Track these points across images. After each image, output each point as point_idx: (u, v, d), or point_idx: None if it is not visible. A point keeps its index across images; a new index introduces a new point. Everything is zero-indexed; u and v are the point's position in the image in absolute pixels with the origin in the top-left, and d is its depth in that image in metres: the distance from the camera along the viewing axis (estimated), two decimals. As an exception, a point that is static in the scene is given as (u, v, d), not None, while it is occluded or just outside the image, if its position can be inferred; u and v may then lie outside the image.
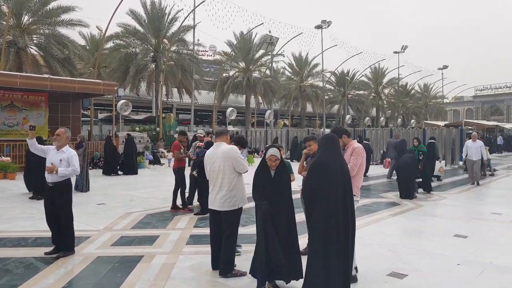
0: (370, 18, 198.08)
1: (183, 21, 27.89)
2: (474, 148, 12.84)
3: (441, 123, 39.62)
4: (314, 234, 3.79)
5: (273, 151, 4.31)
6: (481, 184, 13.05)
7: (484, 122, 46.88)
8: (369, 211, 8.63)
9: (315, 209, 3.76)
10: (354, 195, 4.68)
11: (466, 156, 12.99)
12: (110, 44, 29.91)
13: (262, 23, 29.66)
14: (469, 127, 30.68)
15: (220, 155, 4.61)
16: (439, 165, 14.33)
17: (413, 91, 57.55)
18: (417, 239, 6.49)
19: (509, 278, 4.70)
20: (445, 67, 56.21)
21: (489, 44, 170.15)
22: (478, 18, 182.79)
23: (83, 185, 10.73)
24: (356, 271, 4.71)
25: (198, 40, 34.14)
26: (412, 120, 51.96)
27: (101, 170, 15.24)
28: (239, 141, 5.24)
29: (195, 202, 8.39)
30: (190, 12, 27.94)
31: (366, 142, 16.74)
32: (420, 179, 11.03)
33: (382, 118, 49.68)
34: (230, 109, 30.02)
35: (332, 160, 3.84)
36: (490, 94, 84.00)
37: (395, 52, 47.52)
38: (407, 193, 10.20)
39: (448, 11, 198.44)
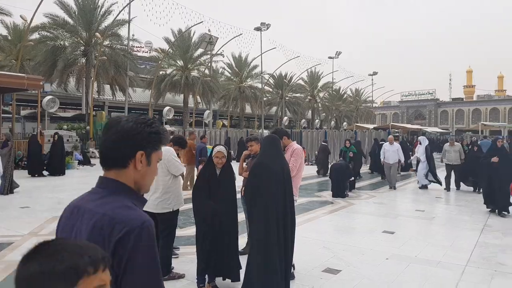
0: (308, 24, 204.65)
1: (118, 14, 26.77)
2: (391, 152, 12.52)
3: (371, 126, 41.99)
4: (254, 233, 3.82)
5: (220, 148, 4.26)
6: (397, 188, 12.54)
7: (409, 125, 50.39)
8: (305, 209, 8.90)
9: (256, 209, 3.79)
10: (294, 195, 4.81)
11: (383, 159, 12.69)
12: (35, 36, 27.87)
13: (202, 22, 29.32)
14: (396, 130, 32.83)
15: None
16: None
17: (345, 95, 60.30)
18: (349, 235, 6.80)
19: (432, 269, 5.09)
20: (375, 73, 59.63)
21: (414, 52, 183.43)
22: (408, 30, 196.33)
23: (5, 187, 9.92)
24: (294, 268, 4.83)
25: (134, 35, 32.90)
26: (344, 123, 54.46)
27: (25, 170, 14.21)
28: (178, 141, 5.13)
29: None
30: (125, 6, 26.89)
31: (324, 143, 17.32)
32: (353, 178, 11.61)
33: (317, 121, 51.49)
34: (167, 108, 29.32)
35: (274, 160, 3.90)
36: (414, 100, 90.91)
37: (330, 58, 49.50)
38: (339, 192, 10.66)
39: (379, 21, 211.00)
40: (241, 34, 34.07)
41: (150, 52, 36.79)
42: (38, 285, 0.85)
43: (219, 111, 42.72)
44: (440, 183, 12.37)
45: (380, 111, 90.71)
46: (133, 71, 30.56)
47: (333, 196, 10.68)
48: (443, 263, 5.34)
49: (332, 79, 50.48)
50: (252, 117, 45.65)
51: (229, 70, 43.00)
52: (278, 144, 4.06)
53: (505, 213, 8.43)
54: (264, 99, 43.28)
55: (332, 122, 53.49)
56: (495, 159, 8.38)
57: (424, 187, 12.58)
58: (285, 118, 41.97)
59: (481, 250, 5.99)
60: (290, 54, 40.49)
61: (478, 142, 14.14)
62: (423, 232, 7.19)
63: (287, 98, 46.06)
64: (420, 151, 12.67)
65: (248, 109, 44.06)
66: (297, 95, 49.47)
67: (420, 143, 12.93)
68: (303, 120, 47.25)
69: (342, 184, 10.73)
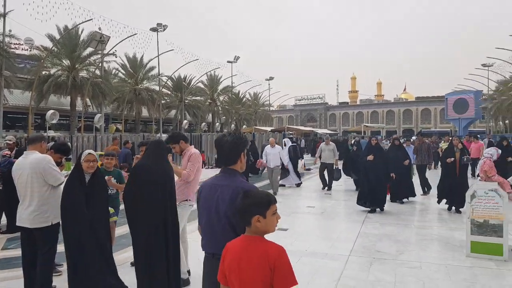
0: (206, 27, 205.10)
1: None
2: (272, 155, 11.49)
3: (268, 128, 43.60)
4: (135, 241, 3.66)
5: (90, 151, 4.05)
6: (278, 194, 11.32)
7: (302, 127, 53.53)
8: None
9: (137, 213, 3.64)
10: (189, 200, 4.72)
11: (265, 162, 11.62)
12: None
13: (91, 19, 27.18)
14: (290, 132, 34.57)
15: (28, 166, 4.08)
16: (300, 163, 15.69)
17: (244, 99, 61.70)
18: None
19: (320, 261, 5.43)
20: (271, 78, 61.87)
21: (307, 58, 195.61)
22: (303, 38, 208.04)
23: None
24: (189, 274, 4.73)
25: (10, 31, 29.37)
26: (244, 126, 55.76)
27: None
28: (60, 148, 4.70)
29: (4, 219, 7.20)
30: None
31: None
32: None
33: (217, 124, 51.79)
34: (51, 111, 26.55)
35: (155, 163, 3.78)
36: (306, 104, 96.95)
37: (229, 62, 50.02)
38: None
39: (273, 27, 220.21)
40: (135, 34, 32.55)
41: (31, 50, 33.16)
42: (248, 211, 1.94)
43: (112, 115, 40.43)
44: (299, 184, 13.05)
45: (277, 114, 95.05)
46: (10, 70, 27.36)
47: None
48: (330, 255, 5.74)
49: (232, 83, 51.22)
50: (149, 121, 44.10)
51: (123, 71, 40.93)
52: (161, 147, 3.96)
53: (380, 209, 8.97)
54: (163, 102, 42.12)
55: (233, 125, 54.31)
56: (370, 157, 8.93)
57: (298, 185, 13.13)
58: (185, 121, 41.39)
59: (362, 240, 6.56)
60: (189, 57, 40.05)
61: (360, 141, 15.35)
62: (313, 227, 7.63)
63: (186, 101, 45.48)
64: (283, 153, 12.14)
65: (145, 113, 42.46)
66: (197, 98, 49.20)
67: (285, 145, 12.98)
68: (204, 124, 47.16)
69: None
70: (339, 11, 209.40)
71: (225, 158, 2.53)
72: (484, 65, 48.28)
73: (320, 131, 60.50)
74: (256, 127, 47.67)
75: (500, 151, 6.54)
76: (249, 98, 64.36)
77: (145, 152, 3.96)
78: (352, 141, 18.33)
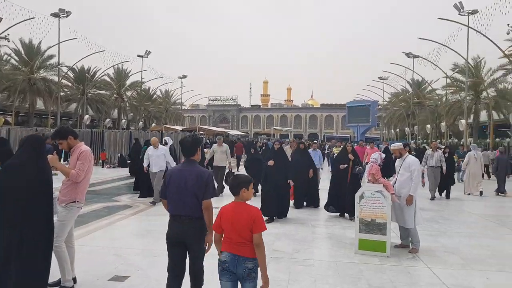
0: (115, 18, 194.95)
1: None
2: (156, 157, 9.73)
3: (179, 128, 42.72)
4: None
5: None
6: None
7: (214, 128, 53.52)
8: (98, 216, 8.27)
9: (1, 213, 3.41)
10: (78, 201, 4.32)
11: (146, 166, 9.98)
12: None
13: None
14: (201, 132, 34.34)
15: None
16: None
17: (155, 96, 59.69)
18: (145, 239, 6.60)
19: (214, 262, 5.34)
20: (184, 76, 60.86)
21: (221, 59, 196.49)
22: (208, 36, 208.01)
23: None
24: (75, 282, 4.36)
25: None
26: (153, 124, 53.89)
27: None
28: None
29: None
30: None
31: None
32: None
33: (124, 121, 49.33)
34: None
35: (25, 163, 3.42)
36: (219, 105, 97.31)
37: (139, 56, 47.86)
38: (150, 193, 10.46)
39: (190, 24, 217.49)
40: (33, 18, 29.42)
41: None
42: (238, 185, 3.13)
43: (1, 105, 36.24)
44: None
45: (189, 113, 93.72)
46: None
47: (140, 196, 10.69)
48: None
49: (141, 78, 49.09)
50: (45, 114, 40.29)
51: (16, 57, 36.78)
52: (38, 144, 3.63)
53: (283, 216, 8.50)
54: (62, 94, 38.74)
55: (141, 123, 52.17)
56: (270, 163, 8.36)
57: None
58: (87, 116, 38.61)
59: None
60: (95, 48, 37.17)
61: (267, 143, 15.87)
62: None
63: (89, 94, 42.53)
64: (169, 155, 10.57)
65: (40, 105, 38.69)
66: (102, 92, 46.30)
67: (166, 143, 10.95)
68: (108, 120, 44.53)
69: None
70: (255, 14, 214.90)
71: (187, 152, 3.80)
72: (380, 78, 52.94)
73: (232, 132, 61.15)
74: (167, 125, 46.39)
75: (383, 155, 7.11)
76: (160, 96, 62.53)
77: (17, 150, 3.53)
78: (262, 143, 18.78)
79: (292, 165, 9.39)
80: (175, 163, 10.16)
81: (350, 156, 8.61)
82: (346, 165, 8.60)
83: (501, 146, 17.55)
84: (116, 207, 9.37)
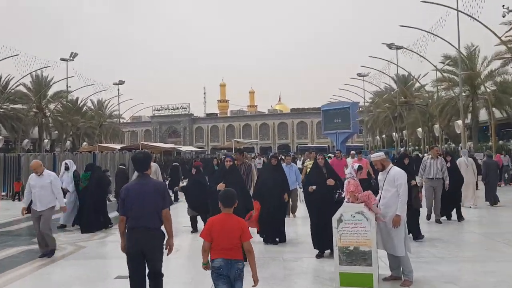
0: (28, 17, 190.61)
1: None
2: (39, 188, 8.41)
3: (118, 146, 41.87)
4: None
5: None
6: None
7: (162, 144, 52.86)
8: (15, 263, 8.01)
9: None
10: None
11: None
12: None
13: None
14: (145, 150, 33.78)
15: None
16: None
17: (85, 108, 58.41)
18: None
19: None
20: (121, 82, 59.72)
21: (168, 62, 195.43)
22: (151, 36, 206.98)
23: None
24: None
25: None
26: (84, 143, 52.55)
27: None
28: None
29: None
30: None
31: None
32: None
33: (46, 141, 47.81)
34: None
35: None
36: (167, 115, 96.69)
37: (63, 60, 46.67)
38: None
39: (129, 23, 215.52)
40: None
41: None
42: (232, 198, 4.45)
43: None
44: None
45: (129, 127, 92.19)
46: None
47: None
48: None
49: (67, 86, 47.88)
50: None
51: None
52: None
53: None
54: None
55: (68, 142, 50.78)
56: (220, 186, 7.81)
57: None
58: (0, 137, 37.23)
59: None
60: (6, 51, 35.92)
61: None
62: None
63: (1, 110, 41.08)
64: (64, 177, 11.80)
65: None
66: (18, 106, 44.75)
67: (67, 168, 11.94)
68: (27, 141, 43.06)
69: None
70: (204, 12, 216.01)
71: (141, 167, 5.06)
72: (359, 74, 54.32)
73: (184, 148, 60.73)
74: (102, 144, 45.35)
75: (356, 166, 7.05)
76: (92, 107, 61.27)
77: None
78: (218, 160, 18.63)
79: (259, 186, 9.29)
80: (65, 199, 10.36)
81: (329, 182, 8.00)
82: (314, 187, 8.09)
83: (487, 150, 18.04)
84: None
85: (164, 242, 4.92)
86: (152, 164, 11.10)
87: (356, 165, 6.95)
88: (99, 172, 13.11)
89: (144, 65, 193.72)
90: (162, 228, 4.88)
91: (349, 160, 16.30)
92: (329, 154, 27.39)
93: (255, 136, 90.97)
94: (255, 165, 19.86)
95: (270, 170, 9.70)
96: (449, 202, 11.60)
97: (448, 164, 11.82)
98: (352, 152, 18.48)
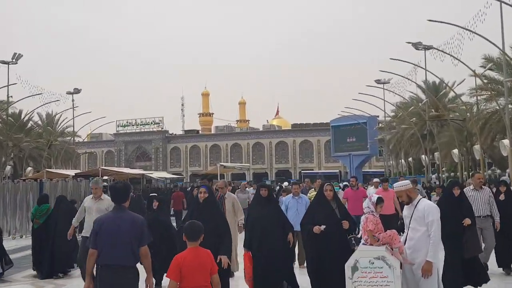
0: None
1: None
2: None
3: (71, 172, 41.64)
4: None
5: None
6: None
7: (128, 170, 52.57)
8: None
9: None
10: None
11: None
12: None
13: None
14: (105, 177, 33.65)
15: None
16: None
17: (31, 124, 58.29)
18: None
19: None
20: (77, 91, 59.70)
21: (133, 63, 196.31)
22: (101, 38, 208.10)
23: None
24: None
25: None
26: (29, 168, 52.33)
27: None
28: None
29: None
30: None
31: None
32: None
33: (-21, 166, 47.59)
34: None
35: None
36: (135, 132, 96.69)
37: (3, 63, 46.77)
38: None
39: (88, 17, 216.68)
40: None
41: None
42: (200, 231, 5.28)
43: None
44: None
45: (86, 148, 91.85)
46: None
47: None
48: None
49: (8, 97, 47.93)
50: None
51: None
52: None
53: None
54: None
55: (8, 167, 50.60)
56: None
57: None
58: None
59: None
60: None
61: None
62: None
63: None
64: None
65: None
66: None
67: None
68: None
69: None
70: (189, 9, 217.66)
71: (119, 198, 5.69)
72: (378, 81, 54.60)
73: (156, 174, 60.44)
74: (51, 170, 45.14)
75: (375, 198, 6.94)
76: (40, 123, 61.16)
77: None
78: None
79: (248, 228, 8.92)
80: None
81: (345, 224, 7.79)
82: (323, 227, 7.68)
83: (503, 180, 15.61)
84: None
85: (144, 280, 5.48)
86: (104, 197, 11.03)
87: (375, 197, 6.92)
88: (67, 204, 13.08)
89: (106, 70, 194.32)
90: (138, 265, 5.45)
91: (371, 190, 16.04)
92: (344, 183, 27.04)
93: (247, 159, 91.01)
94: (248, 196, 19.68)
95: (261, 204, 9.13)
96: (505, 248, 10.91)
97: (502, 197, 11.32)
98: (375, 180, 17.48)
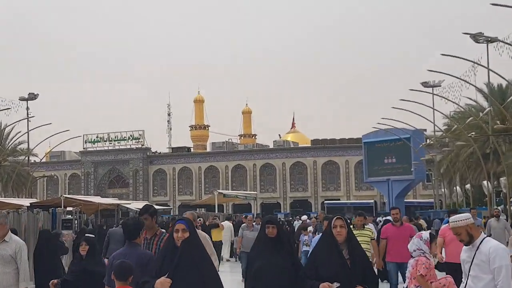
0: None
1: None
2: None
3: (26, 201, 41.78)
4: None
5: None
6: None
7: (97, 199, 52.61)
8: None
9: None
10: None
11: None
12: None
13: None
14: (69, 209, 33.69)
15: None
16: None
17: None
18: None
19: None
20: (33, 97, 59.91)
21: (106, 61, 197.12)
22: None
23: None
24: None
25: None
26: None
27: None
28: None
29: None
30: None
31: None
32: None
33: None
34: None
35: None
36: (108, 150, 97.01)
37: None
38: None
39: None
40: None
41: None
42: (130, 270, 6.81)
43: None
44: None
45: (45, 170, 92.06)
46: None
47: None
48: None
49: None
50: None
51: None
52: None
53: None
54: None
55: None
56: (162, 284, 7.03)
57: None
58: None
59: None
60: None
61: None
62: None
63: None
64: None
65: None
66: None
67: None
68: None
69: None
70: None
71: (130, 235, 7.75)
72: (425, 84, 54.43)
73: (135, 205, 60.34)
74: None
75: (427, 235, 6.93)
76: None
77: None
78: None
79: (249, 282, 8.30)
80: None
81: None
82: (337, 285, 7.06)
83: None
84: None
85: None
86: (12, 238, 10.94)
87: (426, 233, 6.95)
88: (49, 237, 13.52)
89: (69, 70, 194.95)
90: None
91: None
92: (386, 218, 26.63)
93: (253, 186, 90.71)
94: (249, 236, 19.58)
95: (267, 248, 8.20)
96: None
97: None
98: (393, 210, 15.98)
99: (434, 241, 6.84)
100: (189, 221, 7.05)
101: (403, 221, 15.49)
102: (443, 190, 67.72)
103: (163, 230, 9.72)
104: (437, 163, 60.85)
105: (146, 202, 70.11)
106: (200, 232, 10.77)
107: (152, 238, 8.75)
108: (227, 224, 30.66)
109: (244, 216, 32.35)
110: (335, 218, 7.35)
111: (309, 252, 9.20)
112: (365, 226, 14.97)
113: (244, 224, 22.46)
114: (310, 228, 22.24)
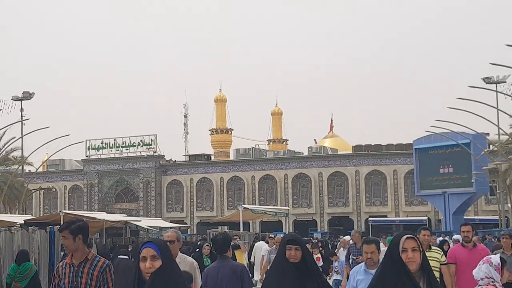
0: None
1: None
2: None
3: (19, 218, 42.09)
4: None
5: None
6: None
7: (102, 215, 52.87)
8: None
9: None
10: None
11: None
12: None
13: None
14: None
15: None
16: None
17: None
18: None
19: None
20: (28, 96, 60.58)
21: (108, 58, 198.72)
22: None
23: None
24: None
25: None
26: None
27: None
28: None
29: None
30: None
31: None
32: None
33: None
34: None
35: None
36: (114, 159, 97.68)
37: None
38: None
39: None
40: None
41: None
42: None
43: None
44: None
45: (42, 181, 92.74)
46: None
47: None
48: None
49: None
50: None
51: None
52: None
53: None
54: None
55: None
56: None
57: None
58: None
59: None
60: None
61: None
62: None
63: None
64: None
65: None
66: None
67: None
68: None
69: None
70: None
71: (220, 249, 10.44)
72: (487, 80, 54.14)
73: (146, 222, 60.61)
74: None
75: (497, 259, 6.74)
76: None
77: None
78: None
79: None
80: None
81: None
82: None
83: None
84: None
85: None
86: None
87: (496, 257, 6.66)
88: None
89: (69, 67, 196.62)
90: None
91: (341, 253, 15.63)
92: (455, 236, 26.49)
93: (284, 200, 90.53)
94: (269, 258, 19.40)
95: (286, 275, 7.32)
96: None
97: None
98: (464, 226, 14.44)
99: (505, 266, 6.55)
100: (162, 244, 5.61)
101: (476, 243, 14.24)
102: (509, 205, 67.31)
103: (98, 256, 8.43)
104: (502, 173, 60.39)
105: (159, 220, 70.59)
106: (185, 258, 9.93)
107: (82, 264, 7.66)
108: (260, 245, 27.94)
109: (271, 235, 29.72)
110: (404, 237, 6.00)
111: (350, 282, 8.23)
112: (432, 247, 13.46)
113: (272, 248, 21.60)
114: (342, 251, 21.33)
